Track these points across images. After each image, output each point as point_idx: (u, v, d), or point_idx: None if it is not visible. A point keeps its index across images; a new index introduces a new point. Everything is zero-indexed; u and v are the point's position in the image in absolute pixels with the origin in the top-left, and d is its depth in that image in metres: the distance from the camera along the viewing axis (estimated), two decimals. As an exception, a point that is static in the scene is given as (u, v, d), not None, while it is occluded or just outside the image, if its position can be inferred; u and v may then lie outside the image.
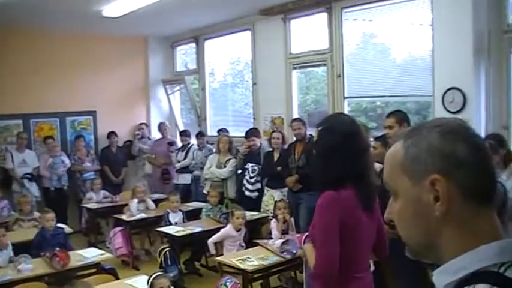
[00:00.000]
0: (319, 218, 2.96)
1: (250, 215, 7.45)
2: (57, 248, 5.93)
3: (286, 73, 8.65)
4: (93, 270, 5.99)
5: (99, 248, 6.87)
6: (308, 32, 8.45)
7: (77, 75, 10.47)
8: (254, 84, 9.35)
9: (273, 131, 8.12)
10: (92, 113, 10.86)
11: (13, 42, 9.74)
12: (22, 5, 7.77)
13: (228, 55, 10.51)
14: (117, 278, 5.72)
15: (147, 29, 10.53)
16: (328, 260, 2.85)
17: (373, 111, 8.22)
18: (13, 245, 6.33)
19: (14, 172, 9.45)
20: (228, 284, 5.53)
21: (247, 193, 8.10)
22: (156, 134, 11.03)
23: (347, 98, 7.89)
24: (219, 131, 9.43)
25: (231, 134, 9.26)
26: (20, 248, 6.30)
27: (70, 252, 5.99)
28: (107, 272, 5.96)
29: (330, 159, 2.95)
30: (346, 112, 7.49)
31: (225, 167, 8.42)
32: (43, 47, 10.11)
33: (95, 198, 9.20)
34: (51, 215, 6.64)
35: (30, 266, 5.71)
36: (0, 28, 9.25)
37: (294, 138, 7.69)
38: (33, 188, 9.42)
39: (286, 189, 7.57)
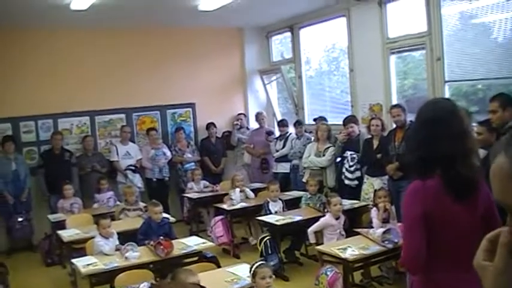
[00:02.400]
0: (403, 209, 2.87)
1: (350, 203, 7.38)
2: (161, 237, 6.10)
3: (383, 58, 8.46)
4: (196, 259, 6.13)
5: (201, 237, 6.99)
6: (405, 15, 8.22)
7: (176, 68, 10.75)
8: (351, 70, 9.21)
9: (372, 118, 7.97)
10: (191, 105, 11.08)
11: (123, 40, 10.25)
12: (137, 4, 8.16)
13: (323, 42, 10.41)
14: (219, 266, 5.79)
15: (242, 20, 10.62)
16: (410, 251, 2.76)
17: (474, 94, 7.88)
18: (119, 233, 6.57)
19: (119, 164, 9.82)
20: (328, 273, 5.50)
21: (346, 182, 8.02)
22: (254, 124, 11.10)
23: (448, 81, 7.61)
24: (317, 119, 9.37)
25: (329, 122, 9.17)
26: (126, 237, 6.55)
27: (173, 241, 6.15)
28: (208, 260, 6.06)
29: (417, 147, 2.84)
30: (446, 96, 7.24)
31: (323, 155, 8.36)
32: (145, 43, 10.43)
33: (195, 188, 9.40)
34: (159, 208, 6.81)
35: (136, 254, 5.91)
36: (110, 28, 9.69)
37: (394, 125, 7.52)
38: (137, 179, 9.75)
39: (386, 177, 7.41)
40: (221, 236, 8.12)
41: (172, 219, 7.58)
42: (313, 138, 8.94)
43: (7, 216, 9.24)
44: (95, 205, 8.84)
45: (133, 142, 10.30)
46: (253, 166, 10.51)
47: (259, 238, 7.34)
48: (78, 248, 7.08)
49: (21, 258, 9.00)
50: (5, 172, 9.14)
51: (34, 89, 9.58)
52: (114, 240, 6.34)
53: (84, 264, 5.90)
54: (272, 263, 6.42)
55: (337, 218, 6.56)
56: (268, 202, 7.78)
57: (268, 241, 7.12)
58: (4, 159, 9.22)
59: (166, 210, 8.21)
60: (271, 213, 7.63)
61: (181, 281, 4.11)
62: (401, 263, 2.85)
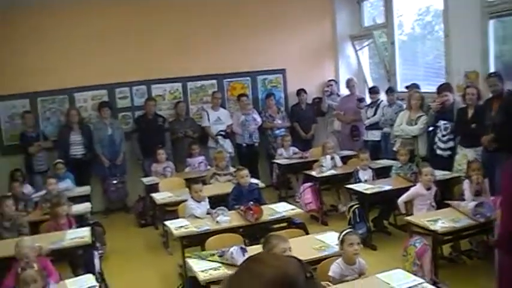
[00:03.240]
0: (503, 185, 2.75)
1: (441, 174, 7.20)
2: (251, 202, 6.19)
3: (481, 23, 8.08)
4: (284, 224, 6.20)
5: (289, 203, 7.04)
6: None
7: (266, 35, 10.75)
8: (446, 36, 8.88)
9: (467, 86, 7.67)
10: (282, 71, 11.08)
11: (214, 7, 10.37)
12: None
13: (417, 6, 10.06)
14: (307, 233, 5.82)
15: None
16: (505, 230, 2.66)
17: None
18: (210, 197, 6.73)
19: (210, 129, 10.00)
20: (417, 244, 5.42)
21: (438, 152, 7.81)
22: (344, 91, 10.98)
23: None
24: (409, 86, 9.13)
25: (422, 89, 8.93)
26: (216, 201, 6.69)
27: (263, 206, 6.24)
28: (297, 226, 6.10)
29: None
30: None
31: (415, 124, 8.16)
32: (237, 10, 10.52)
33: (285, 154, 9.45)
34: (245, 172, 6.94)
35: (227, 218, 6.04)
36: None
37: (490, 94, 7.24)
38: (227, 145, 9.91)
39: (480, 148, 7.15)
40: (310, 203, 8.14)
41: (261, 184, 7.67)
42: (405, 106, 8.75)
43: (103, 179, 9.68)
44: (187, 169, 9.08)
45: (224, 108, 10.45)
46: (343, 133, 10.42)
47: (348, 206, 7.32)
48: (171, 210, 7.31)
49: (116, 218, 9.42)
50: (102, 136, 9.54)
51: (128, 57, 9.86)
52: (206, 204, 6.50)
53: (176, 226, 6.09)
54: (360, 232, 6.38)
55: (428, 189, 6.43)
56: (358, 170, 7.74)
57: (356, 209, 7.08)
58: (101, 124, 9.61)
59: (255, 176, 8.32)
60: (360, 181, 7.58)
61: (273, 247, 4.18)
62: (496, 242, 2.75)
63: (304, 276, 1.21)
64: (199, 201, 6.52)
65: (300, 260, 1.28)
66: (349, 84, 10.58)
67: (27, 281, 3.91)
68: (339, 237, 4.58)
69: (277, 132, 10.26)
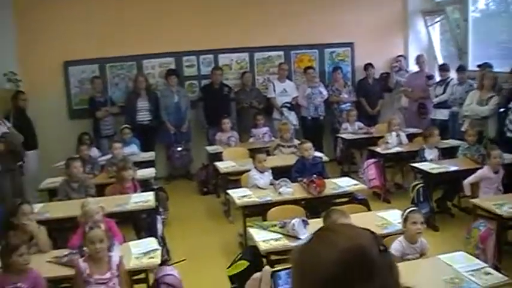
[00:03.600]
0: None
1: (510, 158, 7.00)
2: (315, 175, 6.19)
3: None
4: (346, 200, 6.17)
5: (352, 178, 7.00)
6: None
7: (335, 7, 10.60)
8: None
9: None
10: (350, 45, 10.93)
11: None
12: None
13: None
14: (369, 209, 5.79)
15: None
16: None
17: None
18: (273, 168, 6.75)
19: (275, 101, 9.99)
20: (481, 228, 5.32)
21: (508, 134, 7.57)
22: (413, 67, 10.75)
23: None
24: (481, 65, 8.86)
25: (495, 69, 8.66)
26: (279, 172, 6.72)
27: (326, 180, 6.22)
28: (359, 202, 6.06)
29: None
30: None
31: (486, 104, 7.94)
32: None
33: (350, 129, 9.37)
34: (309, 145, 6.93)
35: (290, 190, 6.07)
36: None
37: None
38: (292, 117, 9.89)
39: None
40: (373, 179, 8.07)
41: (325, 158, 7.64)
42: (476, 85, 8.50)
43: (168, 146, 9.85)
44: (251, 139, 9.13)
45: (291, 80, 10.40)
46: (410, 110, 10.24)
47: (412, 185, 7.22)
48: (233, 179, 7.39)
49: (179, 185, 9.59)
50: (168, 104, 9.67)
51: (196, 26, 9.93)
52: (269, 175, 6.54)
53: (239, 195, 6.17)
54: (423, 211, 6.29)
55: (495, 172, 6.28)
56: (424, 149, 7.59)
57: (420, 189, 6.98)
58: (167, 91, 9.74)
59: (319, 150, 8.28)
60: (426, 160, 7.44)
61: (333, 221, 4.17)
62: None
63: (377, 249, 1.20)
64: (262, 172, 6.57)
65: (373, 233, 1.27)
66: (418, 60, 10.34)
67: (94, 240, 4.02)
68: (402, 215, 4.54)
69: (343, 106, 10.16)
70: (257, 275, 1.39)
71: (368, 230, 1.28)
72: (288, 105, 9.95)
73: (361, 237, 1.23)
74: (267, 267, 1.41)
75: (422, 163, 7.30)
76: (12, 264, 3.96)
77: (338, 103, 10.21)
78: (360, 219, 4.83)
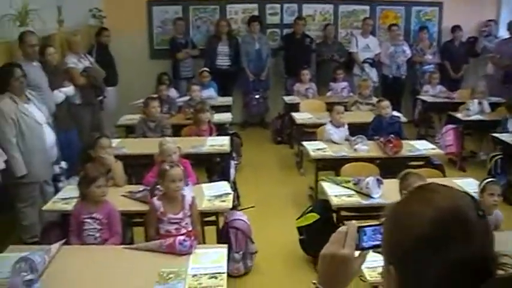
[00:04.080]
0: None
1: None
2: (392, 135, 6.08)
3: None
4: (422, 163, 6.04)
5: (429, 142, 6.84)
6: None
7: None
8: None
9: None
10: (439, 5, 10.54)
11: None
12: None
13: None
14: (444, 176, 5.66)
15: None
16: None
17: None
18: (348, 125, 6.65)
19: (357, 56, 9.80)
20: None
21: None
22: (503, 33, 10.28)
23: None
24: None
25: None
26: (355, 129, 6.62)
27: (402, 142, 6.10)
28: (435, 167, 5.93)
29: None
30: None
31: None
32: None
33: (431, 92, 9.11)
34: (387, 103, 6.79)
35: (365, 148, 6.00)
36: None
37: None
38: (373, 73, 9.70)
39: None
40: (450, 145, 7.86)
41: (403, 119, 7.47)
42: None
43: (245, 92, 9.88)
44: (329, 93, 9.02)
45: (374, 36, 10.15)
46: (495, 78, 9.80)
47: (490, 155, 6.99)
48: (308, 132, 7.36)
49: (253, 132, 9.64)
50: (249, 50, 9.66)
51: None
52: (345, 130, 6.46)
53: (313, 148, 6.15)
54: (501, 183, 6.12)
55: None
56: (507, 119, 7.30)
57: (499, 160, 6.76)
58: (249, 38, 9.73)
59: (397, 109, 8.10)
60: (508, 131, 7.16)
61: (410, 184, 4.09)
62: None
63: (476, 213, 1.15)
64: (338, 127, 6.49)
65: (472, 197, 1.22)
66: (510, 26, 9.88)
67: (175, 178, 4.08)
68: (479, 185, 4.40)
69: (425, 67, 9.85)
70: (343, 228, 1.37)
71: (467, 193, 1.23)
72: (370, 61, 9.75)
73: (460, 198, 1.18)
74: (353, 222, 1.39)
75: (504, 134, 7.03)
76: (90, 194, 4.08)
77: (421, 64, 9.91)
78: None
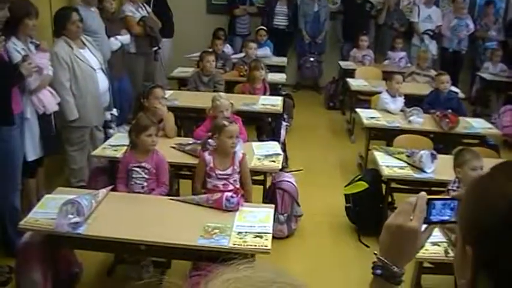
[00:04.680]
0: None
1: None
2: (450, 110, 5.91)
3: None
4: (477, 141, 5.87)
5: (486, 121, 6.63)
6: None
7: None
8: None
9: None
10: (508, -21, 10.13)
11: None
12: None
13: None
14: (499, 157, 5.48)
15: None
16: None
17: None
18: (405, 96, 6.49)
19: (418, 26, 9.51)
20: None
21: None
22: None
23: None
24: None
25: None
26: (411, 100, 6.46)
27: (459, 118, 5.92)
28: (490, 146, 5.76)
29: None
30: None
31: None
32: None
33: (491, 70, 8.81)
34: (446, 78, 6.56)
35: (420, 120, 5.85)
36: None
37: None
38: (432, 46, 9.40)
39: None
40: (507, 127, 7.59)
41: (461, 95, 7.25)
42: None
43: (300, 54, 9.75)
44: (386, 62, 8.82)
45: (437, 6, 9.82)
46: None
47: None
48: (362, 99, 7.22)
49: (305, 95, 9.53)
50: (307, 12, 9.49)
51: None
52: (401, 100, 6.30)
53: (367, 116, 6.04)
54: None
55: None
56: None
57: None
58: (308, -1, 9.53)
59: (454, 84, 7.88)
60: None
61: (465, 161, 3.96)
62: None
63: None
64: (394, 96, 6.34)
65: None
66: None
67: (233, 134, 4.04)
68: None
69: (488, 44, 9.50)
70: (412, 199, 1.29)
71: None
72: (430, 33, 9.44)
73: None
74: (423, 193, 1.30)
75: None
76: (140, 143, 4.07)
77: (483, 40, 9.57)
78: (489, 164, 4.56)
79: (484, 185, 1.11)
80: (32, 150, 4.58)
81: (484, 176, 1.14)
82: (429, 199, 1.29)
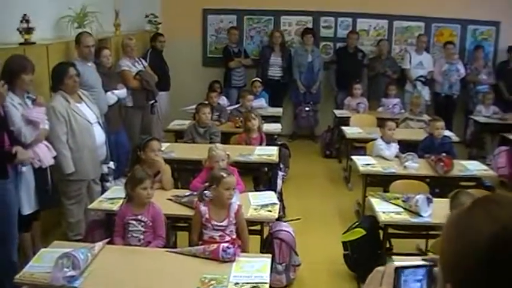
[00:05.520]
0: None
1: None
2: (444, 154, 5.95)
3: None
4: (473, 184, 5.90)
5: (481, 163, 6.67)
6: None
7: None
8: None
9: None
10: (496, 24, 10.27)
11: None
12: None
13: None
14: (496, 198, 5.49)
15: None
16: None
17: None
18: (399, 141, 6.55)
19: (410, 72, 9.65)
20: None
21: None
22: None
23: None
24: None
25: None
26: (405, 146, 6.52)
27: (454, 161, 5.96)
28: (486, 188, 5.79)
29: None
30: None
31: None
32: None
33: (484, 112, 8.90)
34: (441, 124, 6.62)
35: (416, 165, 5.89)
36: None
37: None
38: (425, 91, 9.52)
39: None
40: (502, 168, 7.64)
41: (455, 138, 7.32)
42: None
43: (296, 104, 9.88)
44: (380, 109, 8.92)
45: (428, 53, 9.98)
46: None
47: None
48: (358, 146, 7.29)
49: (302, 145, 9.60)
50: (301, 62, 9.67)
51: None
52: (395, 146, 6.36)
53: (362, 163, 6.07)
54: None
55: None
56: None
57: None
58: (302, 50, 9.75)
59: (449, 129, 7.95)
60: None
61: (461, 203, 3.97)
62: None
63: None
64: (388, 143, 6.40)
65: None
66: None
67: (230, 186, 4.07)
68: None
69: (479, 87, 9.60)
70: (381, 268, 1.31)
71: None
72: (423, 79, 9.57)
73: None
74: (392, 263, 1.31)
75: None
76: (136, 196, 4.09)
77: (475, 83, 9.68)
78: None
79: (462, 222, 1.12)
80: (27, 204, 4.59)
81: (461, 213, 1.15)
82: (397, 267, 1.29)
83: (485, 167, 6.32)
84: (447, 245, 1.13)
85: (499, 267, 1.01)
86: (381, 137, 6.48)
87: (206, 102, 7.48)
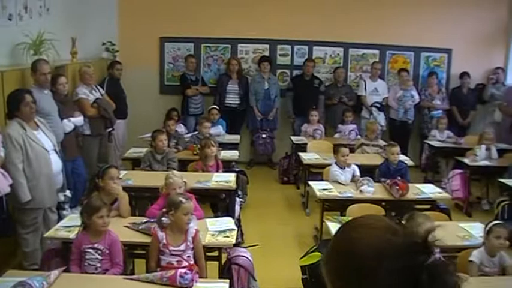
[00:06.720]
0: None
1: None
2: (399, 177, 6.06)
3: None
4: (428, 206, 6.01)
5: (437, 187, 6.80)
6: None
7: (435, 10, 10.22)
8: None
9: None
10: (448, 51, 10.58)
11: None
12: None
13: None
14: (450, 220, 5.62)
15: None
16: None
17: None
18: (358, 166, 6.65)
19: (365, 99, 9.84)
20: None
21: None
22: (511, 81, 10.31)
23: None
24: None
25: None
26: (362, 170, 6.62)
27: (409, 185, 6.08)
28: (441, 210, 5.90)
29: None
30: None
31: None
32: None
33: (438, 137, 9.12)
34: (397, 149, 6.79)
35: (371, 189, 5.97)
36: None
37: None
38: (380, 117, 9.69)
39: None
40: (457, 190, 7.83)
41: (410, 163, 7.46)
42: None
43: (253, 131, 9.92)
44: (336, 135, 9.06)
45: (383, 80, 10.20)
46: (503, 126, 9.78)
47: (497, 201, 6.95)
48: (315, 172, 7.35)
49: (259, 171, 9.64)
50: (258, 90, 9.74)
51: (293, 15, 9.96)
52: (351, 171, 6.45)
53: (319, 188, 6.13)
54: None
55: None
56: (515, 165, 7.29)
57: (506, 206, 6.71)
58: (259, 77, 9.83)
59: (404, 153, 8.10)
60: (515, 178, 7.14)
61: (418, 224, 4.05)
62: None
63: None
64: (343, 168, 6.49)
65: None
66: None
67: (189, 211, 4.09)
68: (485, 227, 4.37)
69: (434, 113, 9.84)
70: None
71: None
72: (378, 105, 9.76)
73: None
74: None
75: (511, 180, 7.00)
76: (92, 224, 4.06)
77: (429, 109, 9.92)
78: (441, 228, 4.68)
79: (348, 236, 1.27)
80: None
81: (346, 229, 1.28)
82: None
83: (439, 190, 6.46)
84: (336, 257, 1.28)
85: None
86: (335, 163, 6.57)
87: (163, 129, 7.47)
